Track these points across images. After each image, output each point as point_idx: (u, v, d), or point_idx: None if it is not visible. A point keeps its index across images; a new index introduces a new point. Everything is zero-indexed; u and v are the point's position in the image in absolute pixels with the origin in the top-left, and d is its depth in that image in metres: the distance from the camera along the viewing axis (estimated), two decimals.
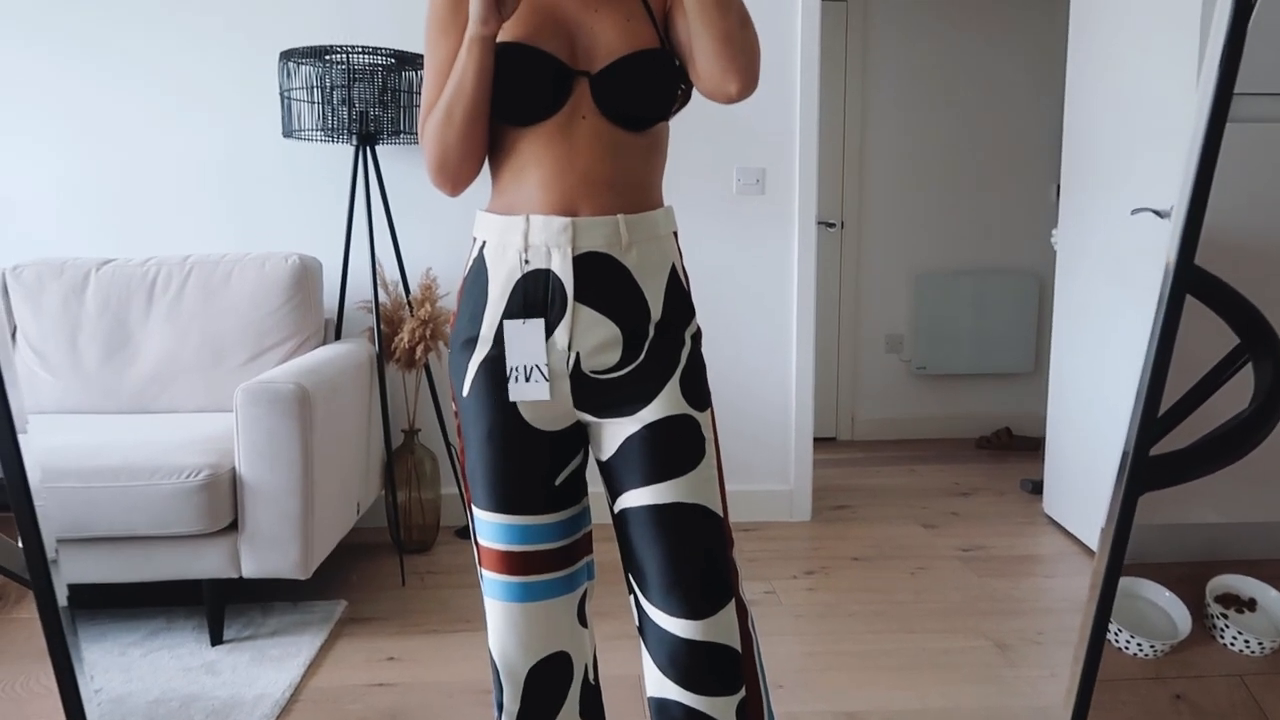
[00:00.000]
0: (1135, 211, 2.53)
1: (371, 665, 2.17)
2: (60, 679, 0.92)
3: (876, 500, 3.44)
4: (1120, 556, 1.02)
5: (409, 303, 2.83)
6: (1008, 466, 3.92)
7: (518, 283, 1.20)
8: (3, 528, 0.95)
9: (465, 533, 3.06)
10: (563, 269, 1.19)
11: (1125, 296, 2.70)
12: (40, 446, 2.24)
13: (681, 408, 1.24)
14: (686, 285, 1.30)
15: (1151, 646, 1.67)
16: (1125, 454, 1.04)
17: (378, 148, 2.97)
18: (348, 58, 2.64)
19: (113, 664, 2.18)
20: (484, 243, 1.24)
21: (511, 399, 1.21)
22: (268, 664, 2.17)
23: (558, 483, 1.27)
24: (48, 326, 2.72)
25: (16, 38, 2.93)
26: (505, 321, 1.20)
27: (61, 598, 0.89)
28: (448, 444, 3.05)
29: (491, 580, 1.28)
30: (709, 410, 1.28)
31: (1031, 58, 4.29)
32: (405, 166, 3.02)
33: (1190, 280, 1.17)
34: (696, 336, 1.29)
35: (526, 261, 1.19)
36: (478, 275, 1.24)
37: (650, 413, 1.23)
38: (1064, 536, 3.03)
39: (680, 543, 1.22)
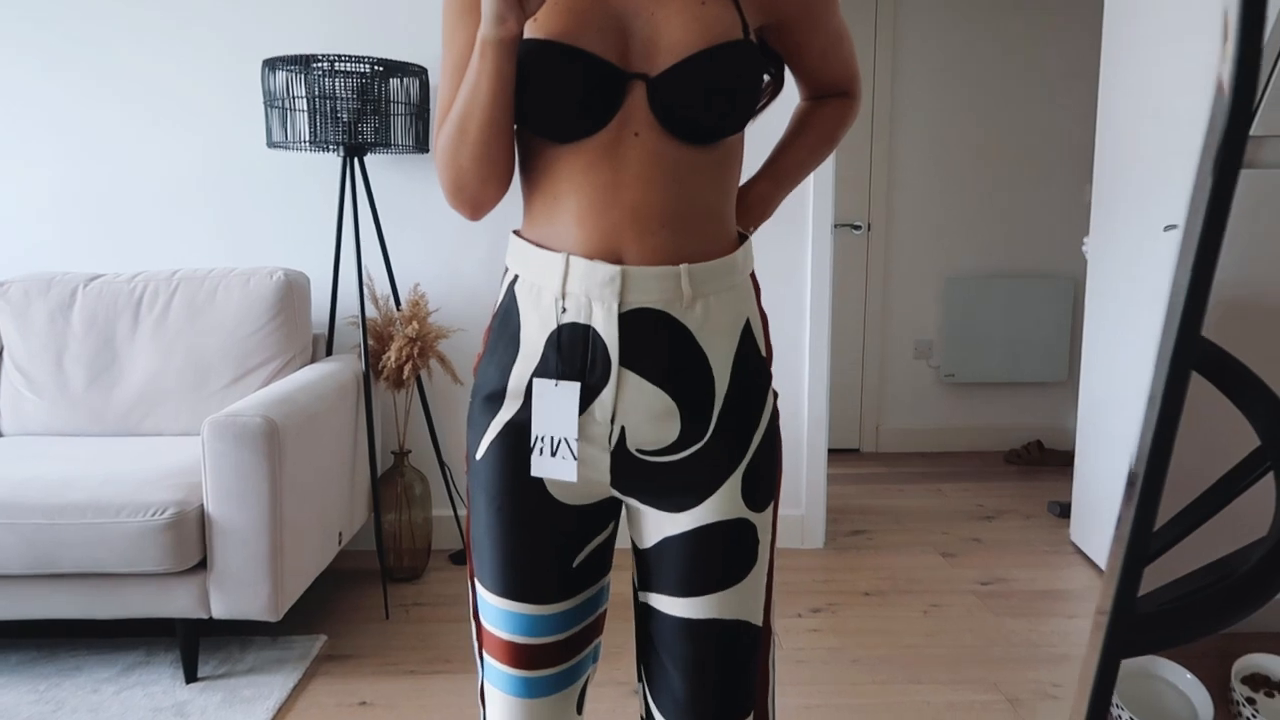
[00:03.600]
0: (1168, 228, 2.33)
1: (342, 712, 2.08)
2: None
3: (896, 524, 3.27)
4: None
5: (398, 318, 2.72)
6: (1037, 484, 3.72)
7: (553, 334, 0.97)
8: None
9: (459, 558, 2.95)
10: (606, 328, 0.95)
11: (1158, 316, 2.50)
12: (12, 478, 2.17)
13: (738, 511, 1.02)
14: (765, 345, 1.06)
15: None
16: (1104, 610, 0.86)
17: (366, 159, 2.85)
18: (332, 66, 2.53)
19: (82, 703, 2.11)
20: (515, 277, 1.02)
21: (534, 474, 1.00)
22: (238, 706, 2.09)
23: (575, 564, 1.06)
24: (35, 346, 2.66)
25: None
26: (535, 380, 0.99)
27: None
28: (442, 464, 2.94)
29: (492, 668, 1.11)
30: (771, 505, 1.07)
31: (1069, 50, 4.04)
32: (395, 178, 2.90)
33: (1195, 356, 1.00)
34: (774, 413, 1.07)
35: (564, 310, 0.97)
36: (507, 318, 1.02)
37: (699, 515, 1.02)
38: (1089, 568, 2.84)
39: (707, 663, 1.04)
